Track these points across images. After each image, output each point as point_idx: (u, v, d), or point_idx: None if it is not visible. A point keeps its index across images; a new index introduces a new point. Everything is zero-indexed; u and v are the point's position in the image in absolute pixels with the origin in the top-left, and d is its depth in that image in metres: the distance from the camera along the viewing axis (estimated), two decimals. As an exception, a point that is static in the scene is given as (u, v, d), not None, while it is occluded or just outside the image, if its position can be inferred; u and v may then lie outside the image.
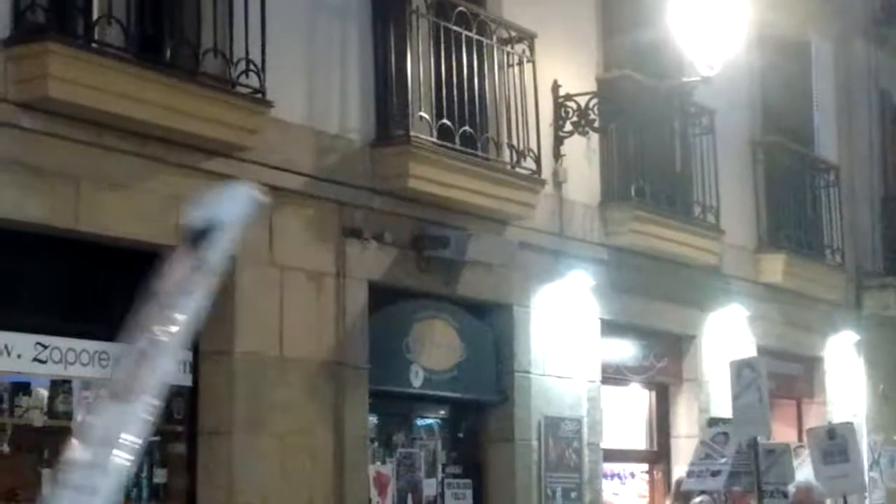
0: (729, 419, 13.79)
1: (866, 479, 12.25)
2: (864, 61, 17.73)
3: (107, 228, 8.14)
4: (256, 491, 8.83)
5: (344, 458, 9.43)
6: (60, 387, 8.43)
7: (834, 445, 11.10)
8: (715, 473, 10.71)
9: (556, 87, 11.97)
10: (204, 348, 8.86)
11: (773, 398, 15.16)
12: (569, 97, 12.00)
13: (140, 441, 4.09)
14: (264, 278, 9.09)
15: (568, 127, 11.96)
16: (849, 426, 11.74)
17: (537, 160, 11.19)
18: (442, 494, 10.84)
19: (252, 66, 8.72)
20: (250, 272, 8.98)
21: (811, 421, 16.03)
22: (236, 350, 8.85)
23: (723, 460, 10.67)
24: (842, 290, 16.24)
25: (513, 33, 11.20)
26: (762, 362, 11.16)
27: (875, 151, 17.80)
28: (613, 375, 12.95)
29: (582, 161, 12.25)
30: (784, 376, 15.62)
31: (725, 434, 10.95)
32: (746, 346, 14.44)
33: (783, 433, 15.90)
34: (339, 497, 9.39)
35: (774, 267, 14.76)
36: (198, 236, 4.40)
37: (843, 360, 16.39)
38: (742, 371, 10.82)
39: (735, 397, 10.83)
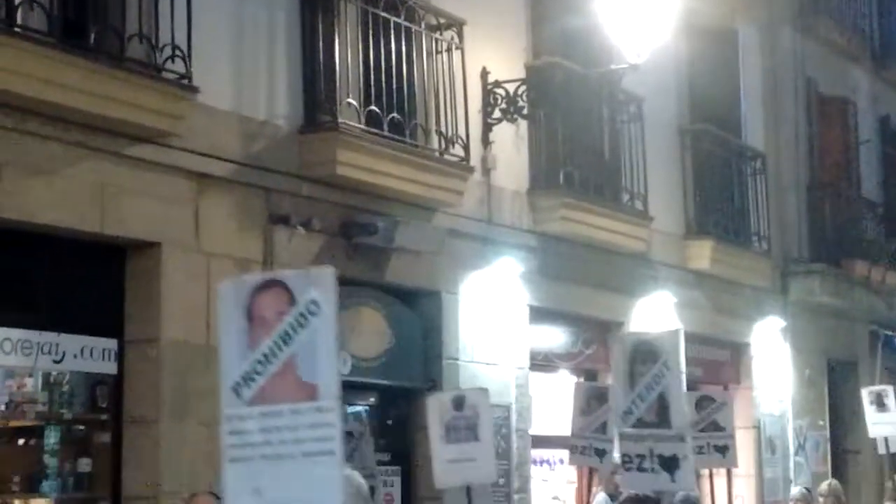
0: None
1: (493, 465, 9.00)
2: (791, 49, 17.93)
3: (30, 215, 8.06)
4: (183, 479, 8.77)
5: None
6: (-18, 376, 8.38)
7: (461, 418, 8.61)
8: None
9: (484, 73, 12.00)
10: (129, 336, 8.82)
11: (701, 384, 15.39)
12: (497, 84, 12.03)
13: None
14: (190, 265, 9.04)
15: (497, 114, 12.00)
16: (482, 393, 9.06)
17: (466, 147, 11.21)
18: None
19: (178, 52, 8.65)
20: (176, 259, 8.93)
21: (738, 407, 16.23)
22: (162, 338, 8.80)
23: None
24: (768, 277, 16.43)
25: (441, 20, 11.21)
26: None
27: (801, 139, 18.01)
28: (542, 362, 13.01)
29: (511, 148, 12.29)
30: (711, 362, 15.79)
31: None
32: (674, 333, 14.54)
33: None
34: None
35: (702, 253, 14.91)
36: None
37: (770, 346, 16.58)
38: None
39: None
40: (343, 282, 10.35)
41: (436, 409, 8.47)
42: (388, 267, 10.77)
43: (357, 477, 8.20)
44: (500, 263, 11.96)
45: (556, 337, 13.32)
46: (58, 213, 8.19)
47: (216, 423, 8.90)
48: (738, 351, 16.28)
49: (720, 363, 16.02)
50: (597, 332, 13.77)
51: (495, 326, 11.97)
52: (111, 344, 8.78)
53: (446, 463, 8.18)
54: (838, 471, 17.26)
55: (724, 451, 10.85)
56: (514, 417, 11.99)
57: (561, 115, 12.52)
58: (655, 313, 14.26)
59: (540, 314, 12.59)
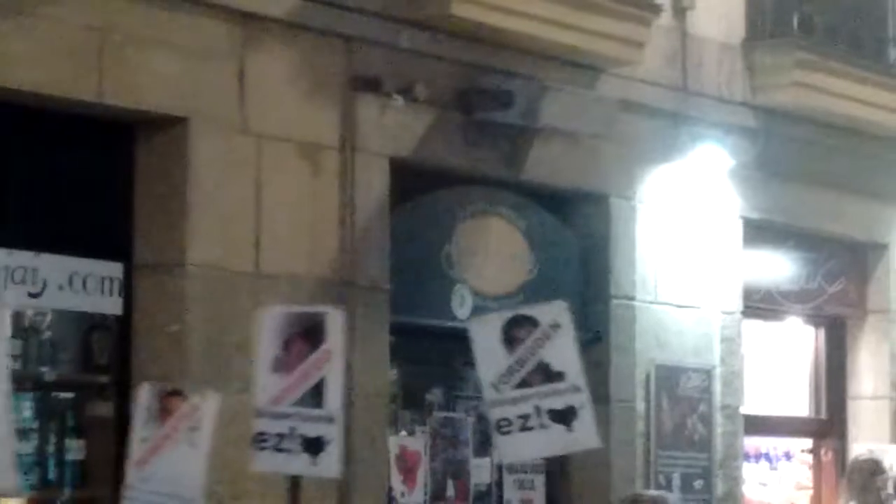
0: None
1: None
2: None
3: None
4: (220, 476, 8.85)
5: (352, 430, 9.42)
6: None
7: None
8: None
9: None
10: (140, 259, 8.91)
11: None
12: None
13: None
14: (232, 153, 9.10)
15: (699, -74, 11.98)
16: None
17: (650, -24, 11.20)
18: (499, 483, 10.88)
19: None
20: (210, 144, 8.99)
21: None
22: (189, 262, 8.88)
23: None
24: None
25: None
26: None
27: None
28: (761, 305, 12.97)
29: (718, -23, 12.26)
30: None
31: None
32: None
33: None
34: (346, 485, 9.41)
35: None
36: None
37: None
38: None
39: None
40: (460, 179, 10.50)
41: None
42: (528, 157, 10.79)
43: None
44: (700, 153, 11.93)
45: (782, 266, 13.33)
46: (34, 74, 8.24)
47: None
48: None
49: None
50: (847, 260, 13.76)
51: (691, 250, 11.93)
52: (114, 270, 8.87)
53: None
54: None
55: (570, 419, 8.18)
56: (717, 388, 11.98)
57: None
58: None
59: (759, 231, 12.61)
